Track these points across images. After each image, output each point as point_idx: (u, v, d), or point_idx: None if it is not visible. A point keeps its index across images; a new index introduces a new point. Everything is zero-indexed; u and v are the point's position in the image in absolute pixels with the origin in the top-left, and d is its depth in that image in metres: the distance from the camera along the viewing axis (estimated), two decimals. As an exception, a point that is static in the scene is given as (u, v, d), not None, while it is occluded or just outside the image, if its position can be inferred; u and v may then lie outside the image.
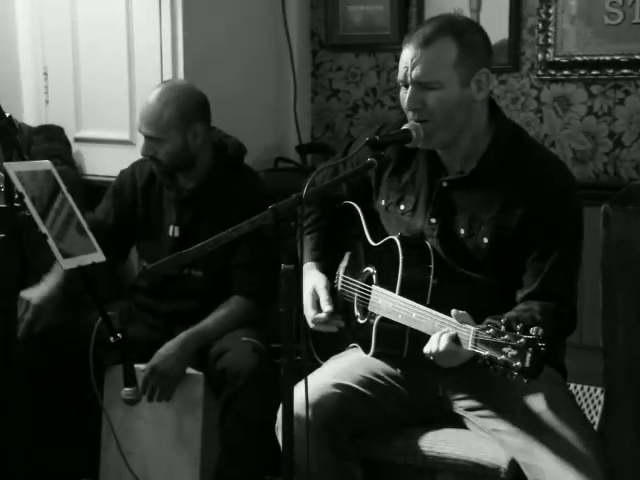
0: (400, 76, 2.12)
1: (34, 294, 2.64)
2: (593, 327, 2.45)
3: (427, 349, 1.95)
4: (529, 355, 1.74)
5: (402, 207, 2.26)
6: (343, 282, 2.36)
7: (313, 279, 2.32)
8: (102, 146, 3.37)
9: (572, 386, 2.87)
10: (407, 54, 2.09)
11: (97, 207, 2.89)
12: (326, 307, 2.24)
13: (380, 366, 2.25)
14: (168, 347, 2.59)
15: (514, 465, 2.10)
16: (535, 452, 2.02)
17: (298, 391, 1.90)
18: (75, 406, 2.81)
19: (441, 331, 1.93)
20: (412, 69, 2.07)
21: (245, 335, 2.62)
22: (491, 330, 1.81)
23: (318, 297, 2.27)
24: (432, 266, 2.12)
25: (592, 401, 2.89)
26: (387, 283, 2.18)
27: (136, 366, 2.50)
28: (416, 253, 2.15)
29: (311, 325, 2.27)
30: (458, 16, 2.27)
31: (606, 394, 2.40)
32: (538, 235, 2.08)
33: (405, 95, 2.11)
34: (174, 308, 2.76)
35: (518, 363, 1.75)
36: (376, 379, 2.23)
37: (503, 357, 1.77)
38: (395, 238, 2.19)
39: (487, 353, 1.80)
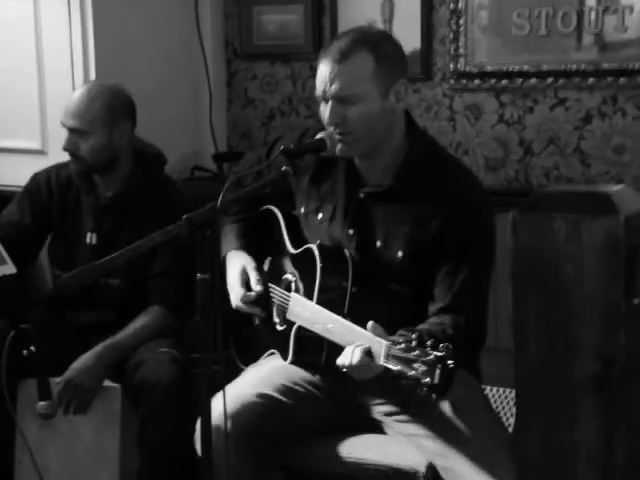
0: (319, 92, 2.11)
1: None
2: (507, 331, 2.50)
3: (340, 361, 1.95)
4: (438, 372, 1.75)
5: (320, 216, 2.27)
6: None
7: (242, 260, 2.30)
8: (12, 155, 3.30)
9: (488, 389, 2.92)
10: (324, 69, 2.09)
11: (5, 210, 2.80)
12: (257, 287, 2.22)
13: (299, 374, 2.25)
14: (83, 360, 2.54)
15: (432, 469, 2.12)
16: (451, 455, 2.05)
17: (217, 402, 1.89)
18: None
19: (355, 344, 1.93)
20: (331, 84, 2.07)
21: (163, 346, 2.58)
22: (403, 345, 1.82)
23: (248, 277, 2.25)
24: (350, 275, 2.13)
25: (507, 403, 2.95)
26: (305, 291, 2.19)
27: (51, 379, 2.45)
28: (334, 262, 2.16)
29: (237, 304, 2.24)
30: (371, 28, 2.27)
31: (517, 397, 2.45)
32: (450, 249, 2.11)
33: (325, 110, 2.11)
34: (91, 318, 2.71)
35: (427, 379, 1.76)
36: (295, 387, 2.23)
37: (413, 372, 1.78)
38: (313, 247, 2.20)
39: (398, 368, 1.81)
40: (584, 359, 2.29)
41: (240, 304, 2.24)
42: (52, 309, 2.80)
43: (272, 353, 2.33)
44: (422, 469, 2.13)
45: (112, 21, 3.18)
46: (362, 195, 2.21)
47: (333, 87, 2.07)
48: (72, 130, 2.63)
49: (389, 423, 2.23)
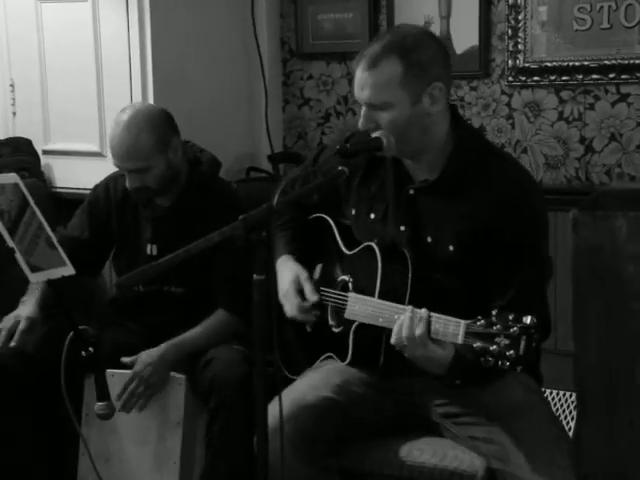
0: (355, 96, 2.14)
1: (21, 312, 2.60)
2: (568, 333, 2.45)
3: (395, 338, 1.96)
4: (523, 343, 1.75)
5: (372, 216, 2.26)
6: None
7: (294, 269, 2.31)
8: (71, 158, 3.34)
9: (548, 392, 2.87)
10: (357, 75, 2.11)
11: (70, 222, 2.84)
12: (313, 297, 2.24)
13: (356, 375, 2.24)
14: (149, 354, 2.57)
15: (490, 473, 2.10)
16: (511, 459, 2.02)
17: (275, 405, 1.88)
18: (50, 420, 2.78)
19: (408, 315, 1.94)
20: (362, 90, 2.10)
21: (237, 343, 2.60)
22: (482, 321, 1.82)
23: (301, 286, 2.26)
24: (410, 272, 2.11)
25: (568, 406, 2.90)
26: (364, 289, 2.18)
27: (118, 371, 2.52)
28: (393, 259, 2.15)
29: (291, 313, 2.25)
30: (411, 30, 2.16)
31: (578, 399, 2.40)
32: (504, 240, 2.08)
33: (359, 114, 2.14)
34: (156, 322, 2.72)
35: (512, 352, 1.75)
36: (353, 388, 2.22)
37: (495, 347, 1.77)
38: (373, 244, 2.19)
39: (479, 344, 1.80)
40: (647, 361, 2.24)
41: (296, 313, 2.25)
42: (116, 314, 2.82)
43: (327, 357, 2.31)
44: (480, 473, 2.10)
45: (169, 23, 3.20)
46: (411, 192, 2.19)
47: (364, 94, 2.10)
48: (132, 170, 2.60)
49: (447, 425, 2.20)
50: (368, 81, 2.08)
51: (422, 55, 2.09)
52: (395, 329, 1.97)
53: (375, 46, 2.10)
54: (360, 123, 2.13)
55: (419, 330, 1.93)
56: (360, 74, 2.10)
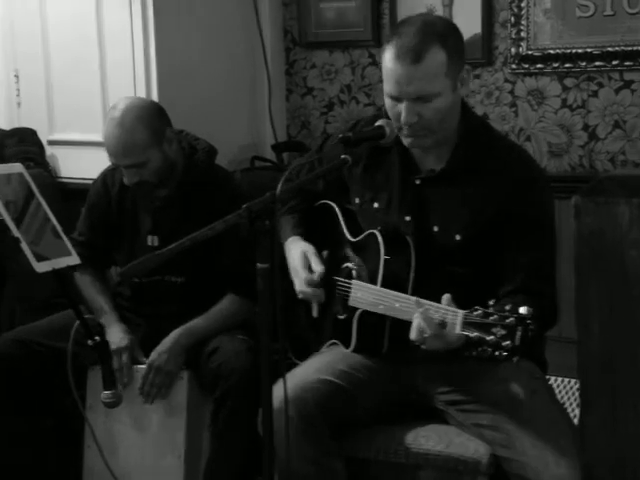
0: (392, 92, 2.05)
1: (117, 341, 2.61)
2: (571, 319, 2.45)
3: (414, 336, 1.95)
4: (519, 334, 1.76)
5: (376, 205, 2.26)
6: None
7: (301, 246, 2.30)
8: (76, 148, 3.35)
9: (552, 379, 2.88)
10: (398, 70, 2.02)
11: (78, 226, 2.84)
12: (318, 267, 2.23)
13: (360, 361, 2.24)
14: (162, 343, 2.59)
15: (494, 460, 2.10)
16: (516, 446, 2.03)
17: (279, 387, 1.90)
18: (54, 412, 2.79)
19: (421, 317, 1.93)
20: (407, 86, 2.02)
21: (241, 334, 2.61)
22: (480, 312, 1.83)
23: (309, 261, 2.26)
24: (413, 260, 2.13)
25: (573, 393, 2.90)
26: (368, 277, 2.19)
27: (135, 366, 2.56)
28: (396, 246, 2.16)
29: (301, 288, 2.25)
30: (431, 17, 2.16)
31: (581, 386, 2.40)
32: (514, 227, 2.09)
33: (397, 108, 2.07)
34: (156, 312, 2.73)
35: (508, 342, 1.76)
36: (357, 374, 2.22)
37: (492, 337, 1.78)
38: (376, 232, 2.19)
39: (476, 334, 1.81)
40: (651, 347, 2.24)
41: (304, 288, 2.24)
42: (119, 303, 2.84)
43: (332, 344, 2.32)
44: (485, 460, 2.11)
45: (172, 13, 3.20)
46: (417, 181, 2.19)
47: (411, 88, 2.02)
48: (129, 166, 2.60)
49: (452, 412, 2.21)
50: (416, 75, 2.00)
51: (455, 39, 2.08)
52: (413, 336, 1.97)
53: (411, 37, 2.02)
54: (403, 117, 2.05)
55: (430, 330, 1.92)
56: (403, 69, 2.01)
